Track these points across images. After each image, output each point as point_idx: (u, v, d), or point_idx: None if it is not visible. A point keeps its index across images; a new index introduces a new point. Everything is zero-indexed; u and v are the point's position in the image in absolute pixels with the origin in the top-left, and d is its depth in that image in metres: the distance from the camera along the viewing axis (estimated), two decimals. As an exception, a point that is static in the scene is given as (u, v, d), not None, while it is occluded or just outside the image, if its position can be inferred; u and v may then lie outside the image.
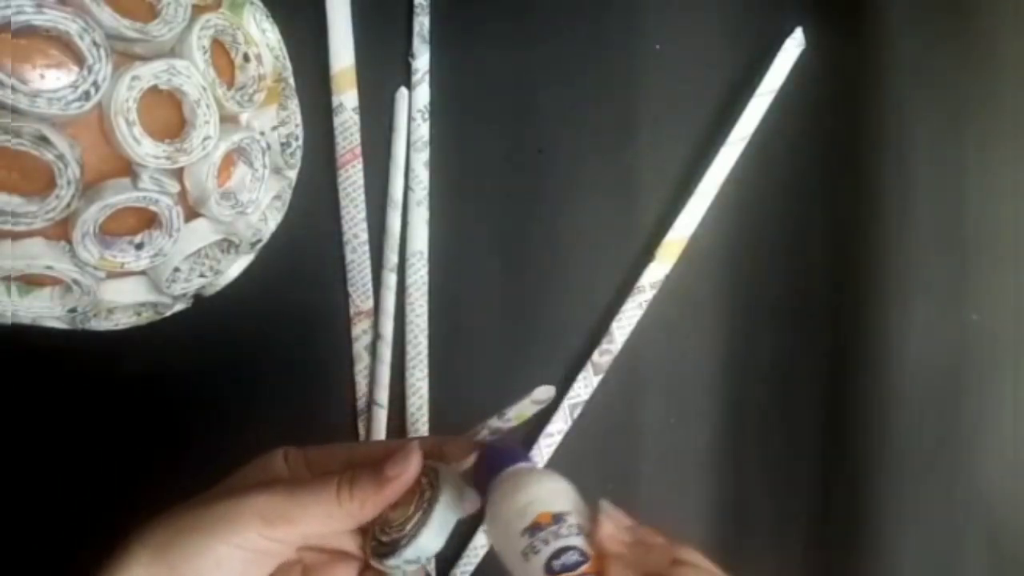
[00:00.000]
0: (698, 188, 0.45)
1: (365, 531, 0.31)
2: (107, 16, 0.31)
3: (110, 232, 0.35)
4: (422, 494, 0.29)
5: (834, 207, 0.47)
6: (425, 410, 0.45)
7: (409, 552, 0.29)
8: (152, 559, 0.26)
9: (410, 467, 0.28)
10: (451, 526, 0.30)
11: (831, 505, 0.46)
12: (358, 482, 0.28)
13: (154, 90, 0.34)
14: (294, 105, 0.42)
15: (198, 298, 0.41)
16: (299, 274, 0.44)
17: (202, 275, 0.40)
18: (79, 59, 0.31)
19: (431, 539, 0.29)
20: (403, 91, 0.45)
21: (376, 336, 0.44)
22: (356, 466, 0.29)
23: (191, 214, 0.37)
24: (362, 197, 0.44)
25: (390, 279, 0.45)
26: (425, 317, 0.45)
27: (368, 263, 0.45)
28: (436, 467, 0.30)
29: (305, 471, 0.30)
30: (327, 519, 0.28)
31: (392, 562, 0.29)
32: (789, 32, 0.46)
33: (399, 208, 0.45)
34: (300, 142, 0.43)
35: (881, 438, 0.46)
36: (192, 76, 0.34)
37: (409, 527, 0.29)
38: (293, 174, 0.43)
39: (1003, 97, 0.47)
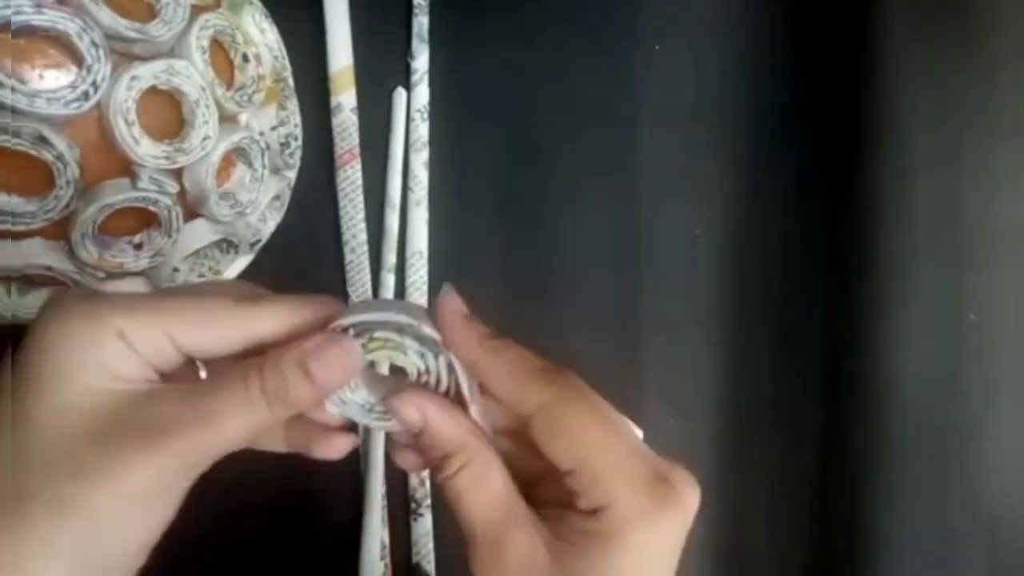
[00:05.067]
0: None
1: None
2: (106, 16, 0.31)
3: (109, 232, 0.35)
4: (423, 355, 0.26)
5: (833, 207, 0.47)
6: (424, 410, 0.45)
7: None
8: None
9: (341, 369, 0.24)
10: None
11: (830, 505, 0.46)
12: (288, 385, 0.23)
13: (153, 90, 0.34)
14: (293, 105, 0.42)
15: (197, 298, 0.41)
16: (298, 274, 0.44)
17: (201, 275, 0.40)
18: (78, 59, 0.31)
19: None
20: (402, 91, 0.45)
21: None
22: (262, 353, 0.24)
23: (190, 214, 0.37)
24: (361, 197, 0.44)
25: (389, 280, 0.45)
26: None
27: (367, 263, 0.44)
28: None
29: (171, 353, 0.24)
30: (255, 432, 0.24)
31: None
32: (789, 32, 0.46)
33: (397, 208, 0.45)
34: (299, 142, 0.43)
35: (880, 438, 0.46)
36: (191, 76, 0.34)
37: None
38: (292, 174, 0.43)
39: (1002, 97, 0.47)
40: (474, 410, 0.27)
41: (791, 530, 0.46)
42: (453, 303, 0.26)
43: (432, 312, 0.26)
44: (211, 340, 0.24)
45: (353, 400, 0.27)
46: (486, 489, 0.25)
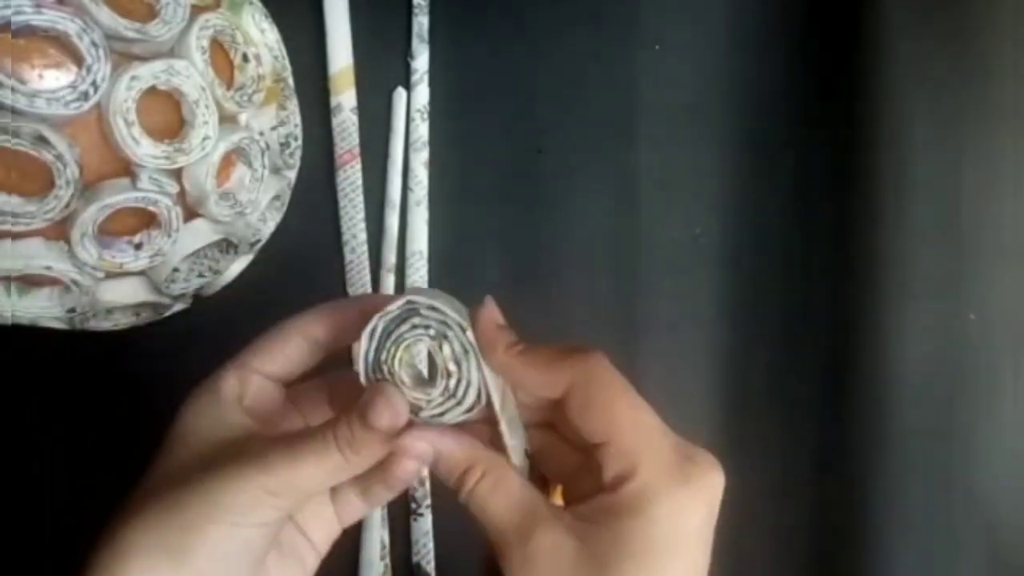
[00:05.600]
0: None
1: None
2: (106, 16, 0.31)
3: (109, 232, 0.35)
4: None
5: (833, 207, 0.47)
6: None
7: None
8: (162, 565, 0.25)
9: (392, 416, 0.27)
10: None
11: (830, 504, 0.46)
12: (354, 434, 0.27)
13: (153, 90, 0.34)
14: (293, 105, 0.42)
15: (197, 298, 0.41)
16: (298, 274, 0.44)
17: (201, 275, 0.40)
18: (78, 59, 0.31)
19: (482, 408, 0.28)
20: (402, 91, 0.45)
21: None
22: (344, 409, 0.27)
23: (190, 214, 0.37)
24: (360, 198, 0.44)
25: (389, 280, 0.45)
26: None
27: (367, 264, 0.44)
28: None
29: (270, 407, 0.29)
30: (333, 477, 0.27)
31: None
32: (789, 31, 0.46)
33: (397, 208, 0.45)
34: (299, 142, 0.43)
35: (880, 437, 0.46)
36: (191, 76, 0.34)
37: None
38: (292, 174, 0.43)
39: (1002, 96, 0.47)
40: (503, 425, 0.28)
41: (791, 530, 0.46)
42: (490, 312, 0.28)
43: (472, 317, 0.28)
44: (282, 357, 0.30)
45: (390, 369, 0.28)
46: (506, 492, 0.27)
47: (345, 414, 0.27)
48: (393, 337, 0.28)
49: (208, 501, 0.25)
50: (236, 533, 0.26)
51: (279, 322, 0.30)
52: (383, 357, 0.28)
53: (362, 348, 0.28)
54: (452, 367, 0.28)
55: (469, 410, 0.28)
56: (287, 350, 0.30)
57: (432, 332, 0.28)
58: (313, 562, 0.30)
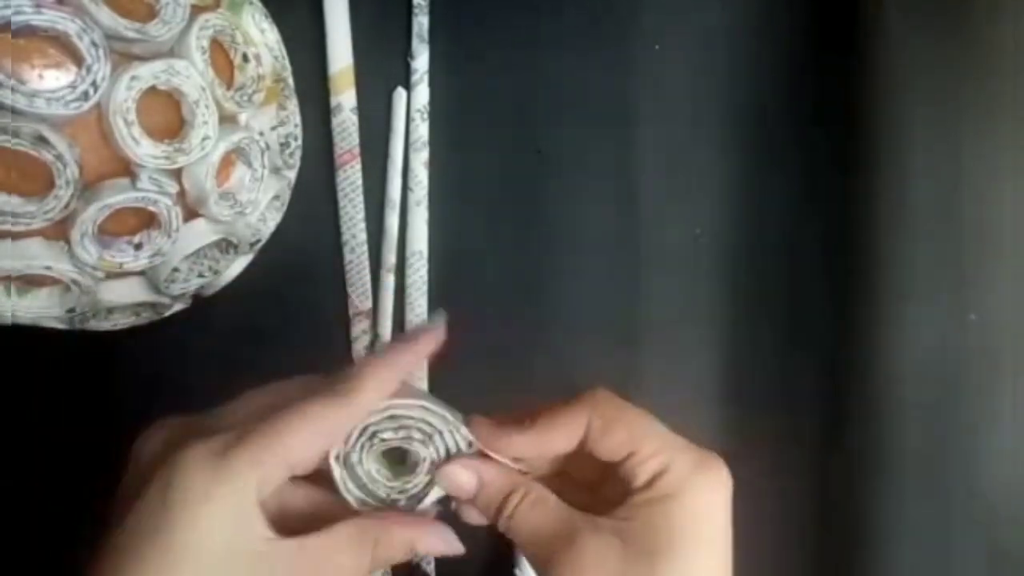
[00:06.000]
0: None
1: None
2: (106, 16, 0.31)
3: (109, 232, 0.35)
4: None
5: (833, 207, 0.47)
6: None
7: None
8: None
9: (448, 539, 0.29)
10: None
11: (830, 505, 0.46)
12: (394, 554, 0.28)
13: (153, 90, 0.34)
14: (293, 105, 0.42)
15: (197, 298, 0.41)
16: (298, 274, 0.44)
17: (201, 275, 0.40)
18: (78, 59, 0.31)
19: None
20: (401, 91, 0.45)
21: (375, 336, 0.44)
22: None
23: (190, 214, 0.37)
24: (360, 198, 0.44)
25: (388, 279, 0.45)
26: (424, 317, 0.45)
27: (367, 263, 0.45)
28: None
29: (291, 508, 0.28)
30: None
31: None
32: (789, 31, 0.46)
33: (397, 208, 0.45)
34: (299, 142, 0.43)
35: (880, 438, 0.46)
36: (191, 76, 0.34)
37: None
38: (292, 174, 0.43)
39: (1002, 96, 0.47)
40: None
41: (791, 530, 0.46)
42: (482, 424, 0.30)
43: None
44: (299, 457, 0.27)
45: (360, 462, 0.29)
46: (545, 509, 0.29)
47: (386, 533, 0.28)
48: (366, 446, 0.29)
49: None
50: None
51: (311, 400, 0.27)
52: (368, 441, 0.29)
53: (336, 475, 0.29)
54: (434, 456, 0.29)
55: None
56: (335, 433, 0.28)
57: (401, 435, 0.29)
58: None
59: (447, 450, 0.29)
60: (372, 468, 0.29)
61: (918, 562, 0.46)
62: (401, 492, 0.29)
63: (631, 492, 0.28)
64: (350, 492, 0.29)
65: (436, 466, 0.29)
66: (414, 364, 0.29)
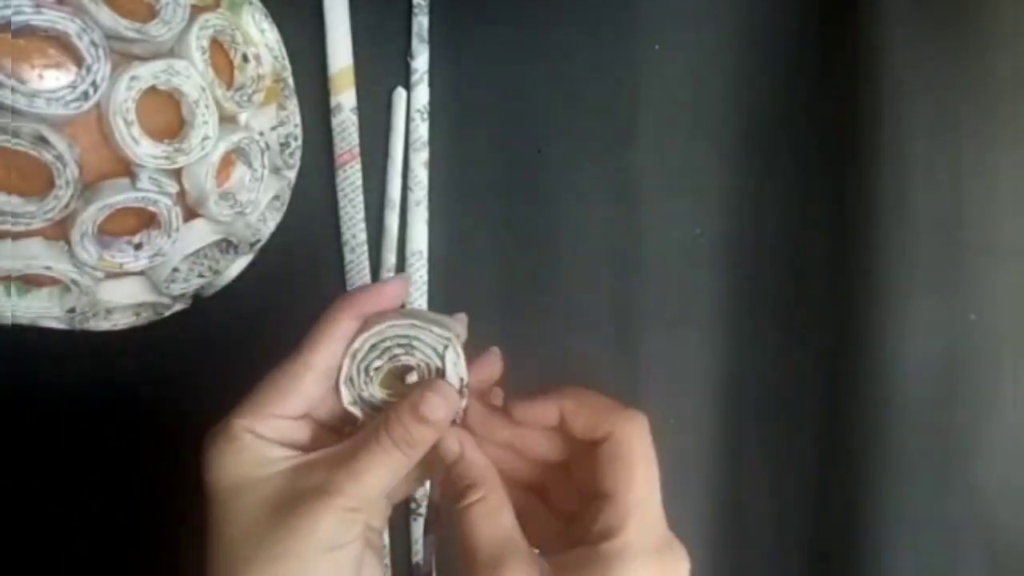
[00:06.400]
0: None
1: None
2: (106, 16, 0.31)
3: (109, 232, 0.35)
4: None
5: (833, 207, 0.47)
6: (424, 410, 0.45)
7: None
8: None
9: (447, 407, 0.30)
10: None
11: (830, 505, 0.46)
12: (412, 436, 0.29)
13: (153, 90, 0.34)
14: (293, 105, 0.42)
15: (197, 298, 0.41)
16: (298, 274, 0.44)
17: (201, 275, 0.40)
18: (78, 59, 0.31)
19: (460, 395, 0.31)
20: (401, 91, 0.45)
21: (375, 336, 0.44)
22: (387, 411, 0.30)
23: (190, 214, 0.37)
24: (360, 198, 0.44)
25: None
26: (424, 317, 0.45)
27: (367, 264, 0.45)
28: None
29: (291, 426, 0.30)
30: (400, 473, 0.29)
31: None
32: (789, 31, 0.46)
33: (397, 209, 0.45)
34: (299, 142, 0.43)
35: (880, 438, 0.46)
36: (191, 76, 0.34)
37: None
38: (292, 174, 0.43)
39: (1003, 97, 0.47)
40: (464, 404, 0.31)
41: (791, 530, 0.46)
42: (475, 407, 0.32)
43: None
44: (301, 399, 0.30)
45: (370, 395, 0.31)
46: (496, 524, 0.30)
47: (394, 413, 0.29)
48: (376, 360, 0.31)
49: (307, 541, 0.27)
50: (341, 555, 0.28)
51: (284, 363, 0.31)
52: (365, 375, 0.31)
53: (343, 371, 0.31)
54: (423, 364, 0.31)
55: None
56: (301, 393, 0.30)
57: (402, 345, 0.31)
58: (381, 544, 0.33)
59: (435, 350, 0.31)
60: (382, 394, 0.31)
61: (918, 562, 0.46)
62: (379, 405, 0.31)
63: (581, 540, 0.29)
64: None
65: (432, 370, 0.31)
66: (374, 303, 0.31)
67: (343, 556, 0.28)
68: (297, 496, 0.28)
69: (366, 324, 0.31)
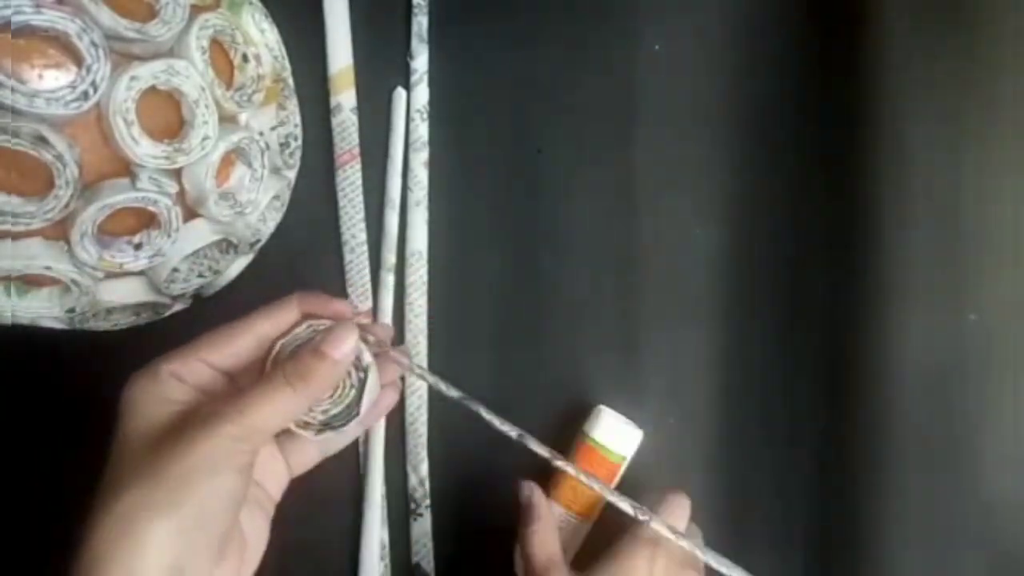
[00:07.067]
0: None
1: None
2: (106, 16, 0.31)
3: (109, 232, 0.35)
4: (349, 372, 0.33)
5: (833, 207, 0.47)
6: (424, 409, 0.45)
7: (350, 422, 0.33)
8: (170, 517, 0.28)
9: (350, 345, 0.32)
10: (378, 388, 0.34)
11: (831, 505, 0.46)
12: (306, 369, 0.31)
13: (153, 90, 0.34)
14: (293, 105, 0.42)
15: (197, 298, 0.42)
16: (298, 274, 0.44)
17: (201, 275, 0.40)
18: (78, 59, 0.31)
19: (362, 414, 0.33)
20: (401, 91, 0.45)
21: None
22: (283, 348, 0.32)
23: (190, 214, 0.37)
24: (360, 198, 0.44)
25: (388, 279, 0.45)
26: (424, 317, 0.45)
27: (367, 263, 0.45)
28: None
29: (211, 374, 0.32)
30: (290, 411, 0.31)
31: (332, 434, 0.33)
32: (789, 31, 0.46)
33: (396, 208, 0.45)
34: (299, 142, 0.43)
35: (880, 438, 0.46)
36: (191, 76, 0.34)
37: (348, 400, 0.33)
38: (292, 174, 0.43)
39: (1002, 97, 0.47)
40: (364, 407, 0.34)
41: (791, 529, 0.46)
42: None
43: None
44: (231, 352, 0.32)
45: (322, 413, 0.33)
46: (545, 545, 0.38)
47: (292, 353, 0.32)
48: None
49: (186, 460, 0.28)
50: (217, 482, 0.29)
51: (233, 320, 0.33)
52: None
53: (274, 351, 0.33)
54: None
55: (348, 410, 0.33)
56: (235, 347, 0.32)
57: None
58: (271, 508, 0.34)
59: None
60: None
61: (918, 562, 0.46)
62: (326, 411, 0.33)
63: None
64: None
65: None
66: (323, 309, 0.34)
67: (220, 485, 0.29)
68: (187, 424, 0.29)
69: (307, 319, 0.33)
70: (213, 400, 0.31)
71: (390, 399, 0.36)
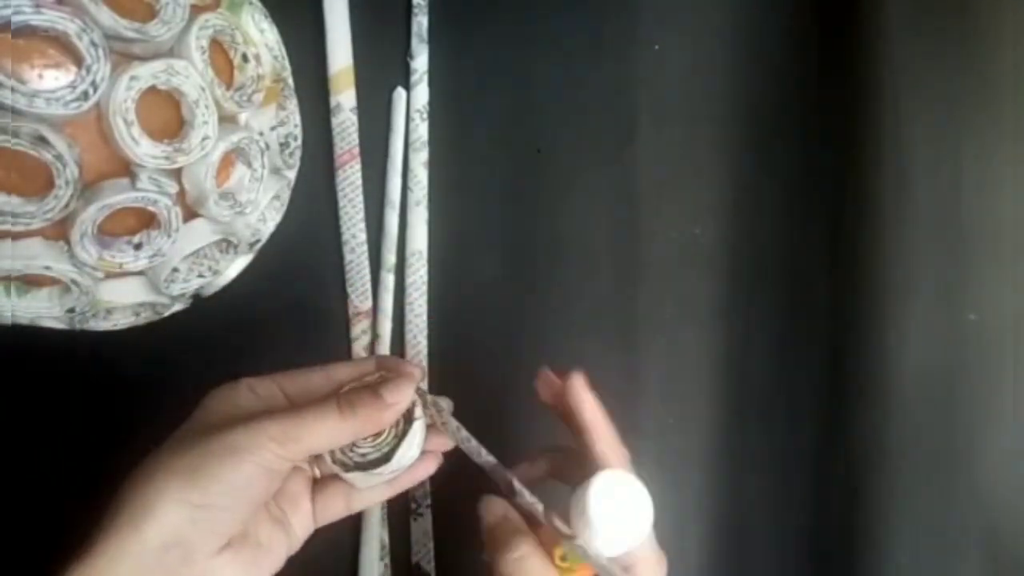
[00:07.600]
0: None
1: None
2: (105, 16, 0.31)
3: (108, 232, 0.35)
4: (397, 422, 0.34)
5: (833, 207, 0.47)
6: (424, 410, 0.45)
7: (381, 469, 0.33)
8: (183, 485, 0.29)
9: (406, 396, 0.33)
10: (418, 452, 0.35)
11: (830, 505, 0.46)
12: (360, 403, 0.32)
13: (152, 90, 0.34)
14: (293, 105, 0.42)
15: (197, 298, 0.41)
16: (298, 274, 0.44)
17: (201, 275, 0.40)
18: (77, 59, 0.31)
19: (401, 460, 0.34)
20: (401, 91, 0.45)
21: (375, 336, 0.44)
22: (349, 388, 0.34)
23: (190, 214, 0.37)
24: (360, 198, 0.44)
25: (388, 279, 0.45)
26: (424, 317, 0.45)
27: (367, 263, 0.45)
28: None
29: (281, 398, 0.34)
30: (332, 436, 0.32)
31: (361, 475, 0.34)
32: (788, 31, 0.46)
33: (396, 208, 0.45)
34: (299, 142, 0.43)
35: (880, 438, 0.46)
36: (191, 76, 0.34)
37: (386, 449, 0.34)
38: (292, 174, 0.43)
39: (1002, 97, 0.47)
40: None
41: (791, 530, 0.46)
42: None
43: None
44: (305, 385, 0.34)
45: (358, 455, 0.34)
46: (533, 566, 0.34)
47: (353, 388, 0.34)
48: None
49: (222, 442, 0.30)
50: (241, 468, 0.30)
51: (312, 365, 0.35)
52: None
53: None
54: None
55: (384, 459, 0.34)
56: (310, 381, 0.34)
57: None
58: (295, 545, 0.34)
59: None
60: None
61: (918, 562, 0.46)
62: (364, 454, 0.34)
63: None
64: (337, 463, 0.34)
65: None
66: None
67: (241, 473, 0.30)
68: (243, 417, 0.31)
69: None
70: (272, 411, 0.32)
71: (426, 468, 0.36)
